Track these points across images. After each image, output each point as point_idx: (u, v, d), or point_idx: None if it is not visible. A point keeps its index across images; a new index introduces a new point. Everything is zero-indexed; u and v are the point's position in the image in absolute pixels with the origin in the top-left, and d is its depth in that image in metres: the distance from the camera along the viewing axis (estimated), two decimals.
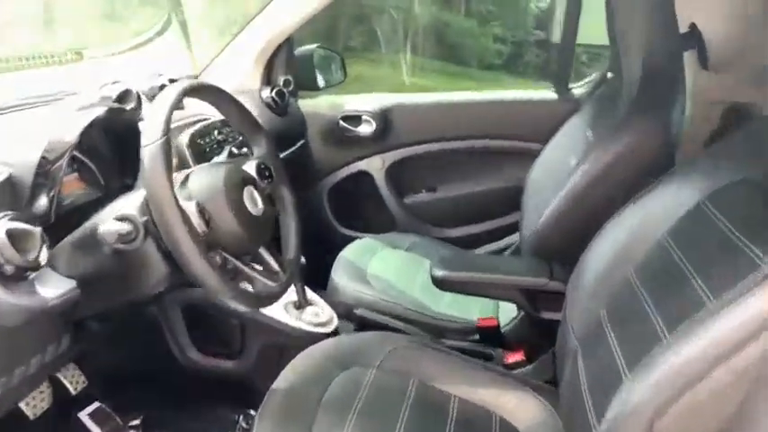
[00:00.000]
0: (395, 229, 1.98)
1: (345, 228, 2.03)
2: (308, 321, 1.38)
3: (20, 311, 0.83)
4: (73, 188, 1.07)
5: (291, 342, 1.37)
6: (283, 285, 1.04)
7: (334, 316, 1.43)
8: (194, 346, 1.41)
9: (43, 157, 0.94)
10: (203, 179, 0.97)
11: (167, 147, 0.86)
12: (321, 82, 1.96)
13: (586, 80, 1.95)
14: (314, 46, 1.96)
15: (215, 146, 1.32)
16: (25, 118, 1.13)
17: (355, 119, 1.93)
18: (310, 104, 1.97)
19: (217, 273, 0.89)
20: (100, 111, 1.01)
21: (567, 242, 1.29)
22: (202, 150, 1.27)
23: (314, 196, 2.00)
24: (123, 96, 1.23)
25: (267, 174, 1.09)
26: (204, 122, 1.35)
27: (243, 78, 1.83)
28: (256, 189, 1.03)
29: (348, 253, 1.68)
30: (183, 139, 1.25)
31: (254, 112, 1.78)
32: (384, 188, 1.98)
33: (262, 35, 1.78)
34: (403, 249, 1.75)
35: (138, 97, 1.26)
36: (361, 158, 1.97)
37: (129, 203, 0.94)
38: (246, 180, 1.02)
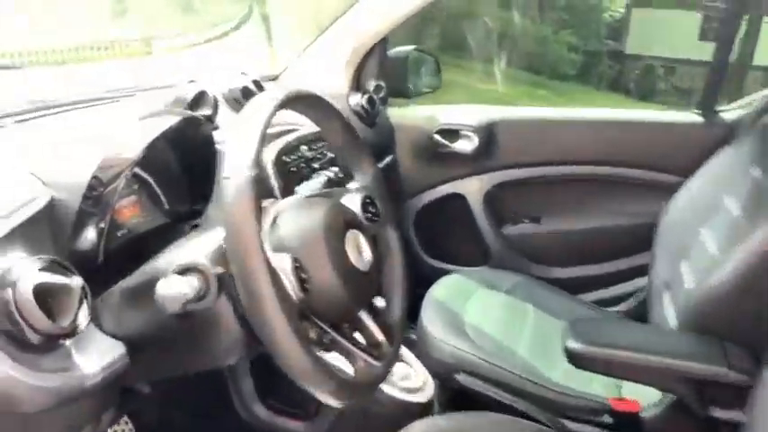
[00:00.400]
0: (488, 262, 1.71)
1: (431, 257, 1.77)
2: (397, 385, 1.12)
3: (47, 394, 0.61)
4: (129, 214, 0.85)
5: (376, 408, 1.11)
6: (389, 362, 0.79)
7: (430, 380, 1.17)
8: (261, 401, 1.17)
9: (95, 177, 0.72)
10: (298, 222, 0.72)
11: (258, 182, 0.62)
12: (414, 88, 1.72)
13: (741, 102, 1.62)
14: (409, 47, 1.72)
15: (303, 165, 1.08)
16: (78, 122, 0.91)
17: (453, 133, 1.67)
18: (401, 114, 1.73)
19: (310, 353, 0.65)
20: (171, 121, 0.78)
21: (744, 321, 0.99)
22: (287, 170, 1.03)
23: (399, 219, 1.74)
24: (198, 99, 1.01)
25: (373, 211, 0.84)
26: (293, 135, 1.11)
27: (330, 81, 1.59)
28: (362, 233, 0.78)
29: (439, 292, 1.42)
30: (269, 155, 1.02)
31: None
32: (480, 215, 1.70)
33: (355, 32, 1.54)
34: (502, 291, 1.48)
35: (215, 102, 1.04)
36: (455, 179, 1.70)
37: (198, 247, 0.71)
38: (349, 221, 0.77)
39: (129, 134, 0.75)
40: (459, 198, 1.71)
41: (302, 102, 0.76)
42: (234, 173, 0.62)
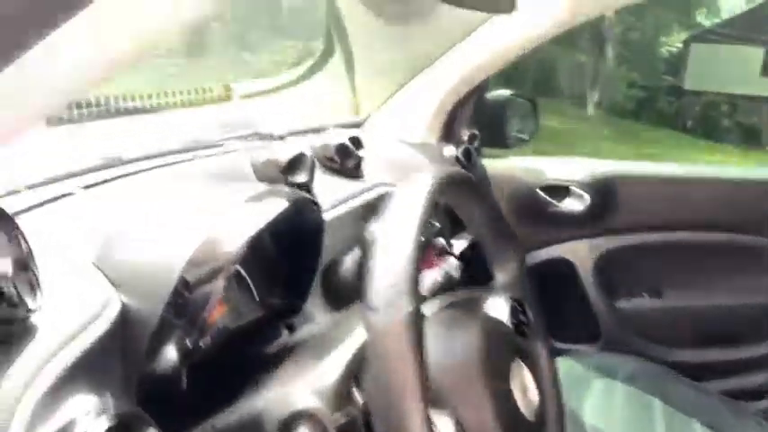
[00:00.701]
0: (599, 340, 1.48)
1: None
2: None
3: None
4: (215, 316, 0.67)
5: None
6: None
7: None
8: None
9: (182, 278, 0.55)
10: (451, 358, 0.53)
11: (420, 321, 0.44)
12: (511, 138, 1.54)
13: None
14: (506, 92, 1.54)
15: None
16: (158, 189, 0.75)
17: (560, 190, 1.46)
18: (497, 166, 1.53)
19: None
20: (278, 207, 0.60)
21: None
22: None
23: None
24: (294, 163, 0.84)
25: (524, 320, 0.64)
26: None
27: (416, 129, 1.43)
28: (523, 360, 0.58)
29: None
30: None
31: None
32: (590, 284, 1.48)
33: (449, 77, 1.38)
34: (620, 381, 1.25)
35: (312, 165, 0.87)
36: (562, 242, 1.49)
37: (307, 383, 0.53)
38: (511, 347, 0.57)
39: (227, 220, 0.58)
40: (565, 264, 1.49)
41: (456, 188, 0.58)
42: (387, 304, 0.44)
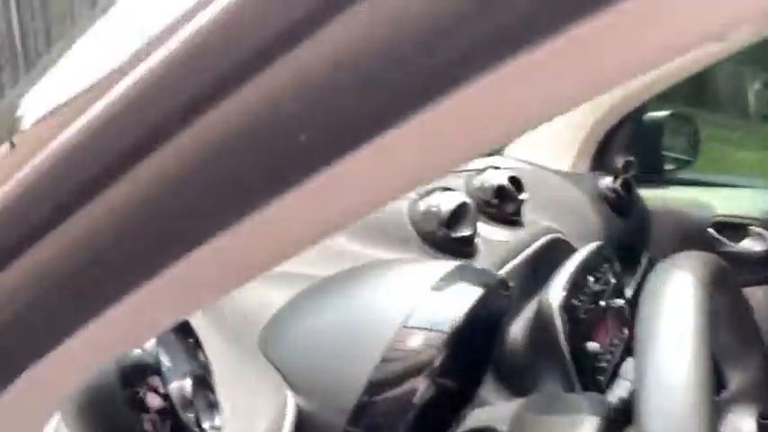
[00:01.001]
0: None
1: None
2: None
3: None
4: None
5: None
6: None
7: None
8: None
9: (369, 383, 0.46)
10: None
11: None
12: (669, 161, 1.38)
13: None
14: (665, 113, 1.37)
15: (592, 306, 0.75)
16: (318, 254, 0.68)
17: (735, 228, 1.26)
18: (656, 197, 1.35)
19: None
20: (475, 293, 0.51)
21: None
22: (577, 319, 0.72)
23: None
24: (457, 214, 0.75)
25: None
26: (575, 259, 0.79)
27: (564, 157, 1.30)
28: None
29: None
30: (554, 300, 0.71)
31: (585, 207, 1.24)
32: None
33: (603, 100, 1.24)
34: None
35: (475, 215, 0.77)
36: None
37: None
38: None
39: (418, 311, 0.49)
40: None
41: (720, 285, 0.45)
42: None
